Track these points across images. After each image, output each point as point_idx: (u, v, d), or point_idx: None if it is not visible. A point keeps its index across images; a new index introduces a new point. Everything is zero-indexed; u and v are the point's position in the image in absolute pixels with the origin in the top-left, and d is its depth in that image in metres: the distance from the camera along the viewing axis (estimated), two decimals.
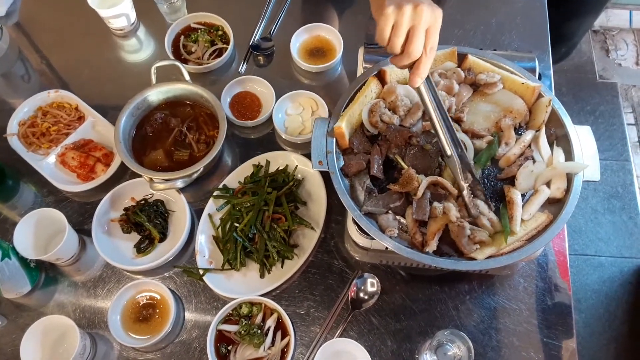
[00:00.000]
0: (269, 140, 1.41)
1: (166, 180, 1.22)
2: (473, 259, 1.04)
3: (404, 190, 1.10)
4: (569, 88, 2.78)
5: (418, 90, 0.96)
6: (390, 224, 1.09)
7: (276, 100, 1.38)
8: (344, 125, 1.14)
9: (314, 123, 1.17)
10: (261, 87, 1.43)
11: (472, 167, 1.08)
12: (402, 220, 1.11)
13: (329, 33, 1.48)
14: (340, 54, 1.46)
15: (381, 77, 1.22)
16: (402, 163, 1.12)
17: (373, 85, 1.21)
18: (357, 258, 1.26)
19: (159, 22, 1.58)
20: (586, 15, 2.06)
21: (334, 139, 1.16)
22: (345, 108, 1.18)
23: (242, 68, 1.50)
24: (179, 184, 1.20)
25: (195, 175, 1.24)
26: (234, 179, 1.31)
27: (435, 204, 1.08)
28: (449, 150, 1.03)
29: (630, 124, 2.72)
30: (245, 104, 1.42)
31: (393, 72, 1.22)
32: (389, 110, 1.20)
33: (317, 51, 1.48)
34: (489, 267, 1.03)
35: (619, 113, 2.75)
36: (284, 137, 1.36)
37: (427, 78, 0.95)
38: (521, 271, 1.20)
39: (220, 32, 1.51)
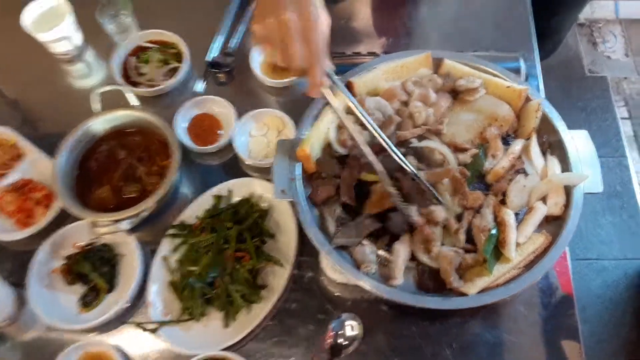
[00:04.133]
0: (234, 166, 1.27)
1: (113, 221, 1.07)
2: (464, 294, 0.90)
3: (379, 209, 0.97)
4: (557, 85, 2.67)
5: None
6: (367, 258, 0.95)
7: (237, 121, 1.24)
8: (309, 148, 1.00)
9: (275, 146, 1.03)
10: (220, 108, 1.29)
11: (434, 194, 0.96)
12: (381, 252, 0.96)
13: None
14: None
15: (350, 90, 1.09)
16: (371, 177, 0.98)
17: (340, 100, 1.07)
18: (336, 294, 1.11)
19: (110, 43, 1.44)
20: (571, 8, 1.95)
21: (299, 163, 1.02)
22: (310, 127, 1.05)
23: (200, 87, 1.36)
24: (125, 225, 1.06)
25: (145, 214, 1.09)
26: (193, 213, 1.16)
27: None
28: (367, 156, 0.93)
29: (624, 117, 2.60)
30: (204, 127, 1.28)
31: (362, 84, 1.09)
32: (359, 125, 1.06)
33: None
34: (483, 303, 0.89)
35: (612, 107, 2.64)
36: (247, 161, 1.22)
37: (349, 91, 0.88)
38: (520, 298, 1.06)
39: (174, 50, 1.37)
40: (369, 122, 0.94)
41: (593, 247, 2.30)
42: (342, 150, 1.04)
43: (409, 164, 0.94)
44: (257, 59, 1.35)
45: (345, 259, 0.96)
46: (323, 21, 0.84)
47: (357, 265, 0.95)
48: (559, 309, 1.06)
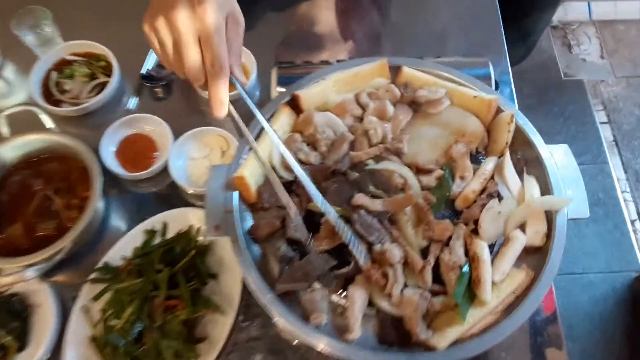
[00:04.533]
0: (172, 194, 1.11)
1: (22, 267, 0.90)
2: (433, 348, 0.74)
3: (330, 245, 0.82)
4: (533, 90, 2.56)
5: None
6: (317, 306, 0.79)
7: (173, 142, 1.08)
8: (247, 173, 0.85)
9: (209, 173, 0.88)
10: (155, 127, 1.13)
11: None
12: (335, 298, 0.81)
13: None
14: (254, 77, 1.18)
15: (295, 105, 0.94)
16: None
17: (284, 117, 0.93)
18: (289, 342, 0.96)
19: (33, 57, 1.26)
20: (542, 9, 1.84)
21: (236, 193, 0.86)
22: (249, 149, 0.89)
23: (133, 104, 1.19)
24: (31, 273, 0.88)
25: (58, 257, 0.92)
26: (120, 253, 0.99)
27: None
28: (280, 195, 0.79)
29: (603, 122, 2.51)
30: (137, 150, 1.12)
31: (309, 97, 0.94)
32: (307, 145, 0.91)
33: None
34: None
35: (590, 112, 2.54)
36: (186, 189, 1.06)
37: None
38: (502, 343, 0.91)
39: (102, 63, 1.21)
40: (285, 155, 0.80)
41: (577, 260, 2.18)
42: (287, 176, 0.89)
43: (334, 215, 0.79)
44: None
45: (292, 308, 0.80)
46: (235, 22, 0.70)
47: (306, 315, 0.79)
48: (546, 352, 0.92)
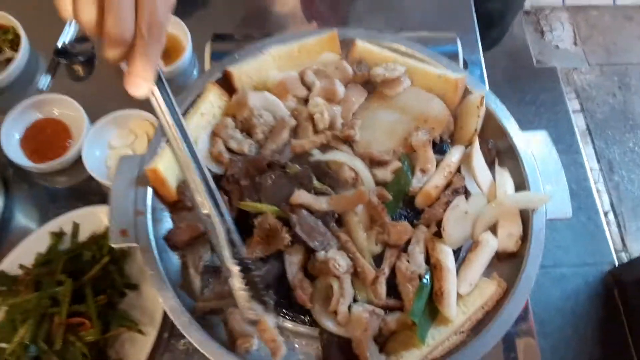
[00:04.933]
0: (90, 188, 0.95)
1: None
2: None
3: (264, 251, 0.67)
4: (504, 78, 2.46)
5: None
6: (246, 328, 0.64)
7: (90, 128, 0.92)
8: (164, 166, 0.70)
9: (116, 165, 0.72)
10: (69, 110, 0.97)
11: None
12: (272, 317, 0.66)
13: (173, 26, 1.02)
14: (188, 53, 1.03)
15: (227, 83, 0.78)
16: (256, 207, 0.68)
17: (213, 97, 0.78)
18: None
19: None
20: None
21: (150, 190, 0.71)
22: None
23: (44, 84, 1.02)
24: None
25: None
26: (22, 258, 0.83)
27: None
28: (206, 205, 0.59)
29: (576, 110, 2.42)
30: (46, 138, 0.96)
31: (244, 74, 0.79)
32: (241, 132, 0.76)
33: None
34: None
35: (563, 100, 2.46)
36: (102, 182, 0.89)
37: (161, 82, 0.55)
38: None
39: (10, 36, 1.02)
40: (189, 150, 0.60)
41: (548, 252, 2.08)
42: (216, 169, 0.74)
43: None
44: None
45: (216, 329, 0.65)
46: None
47: (233, 339, 0.64)
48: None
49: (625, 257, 2.12)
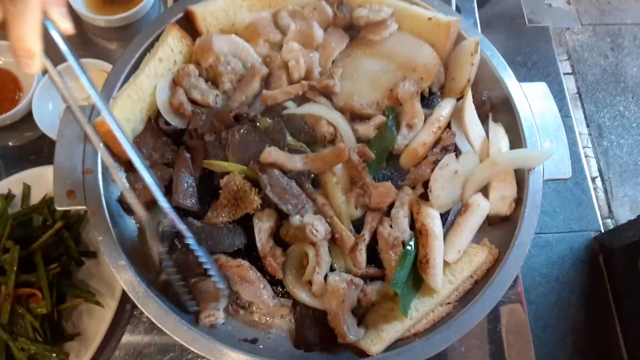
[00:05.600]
0: (44, 146, 0.86)
1: None
2: (364, 352, 0.55)
3: (233, 216, 0.60)
4: (495, 38, 2.35)
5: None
6: (212, 300, 0.58)
7: (41, 79, 0.83)
8: (113, 117, 0.61)
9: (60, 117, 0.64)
10: None
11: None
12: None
13: None
14: None
15: (190, 25, 0.69)
16: (222, 165, 0.61)
17: (173, 40, 0.69)
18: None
19: None
20: None
21: (101, 144, 0.62)
22: (122, 83, 0.65)
23: None
24: None
25: None
26: None
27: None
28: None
29: (567, 73, 2.35)
30: None
31: (209, 14, 0.70)
32: (206, 81, 0.67)
33: None
34: None
35: (554, 61, 2.37)
36: (54, 139, 0.80)
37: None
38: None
39: None
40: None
41: None
42: (177, 123, 0.65)
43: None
44: None
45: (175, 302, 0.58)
46: None
47: (197, 312, 0.58)
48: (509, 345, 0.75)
49: (611, 224, 2.10)
